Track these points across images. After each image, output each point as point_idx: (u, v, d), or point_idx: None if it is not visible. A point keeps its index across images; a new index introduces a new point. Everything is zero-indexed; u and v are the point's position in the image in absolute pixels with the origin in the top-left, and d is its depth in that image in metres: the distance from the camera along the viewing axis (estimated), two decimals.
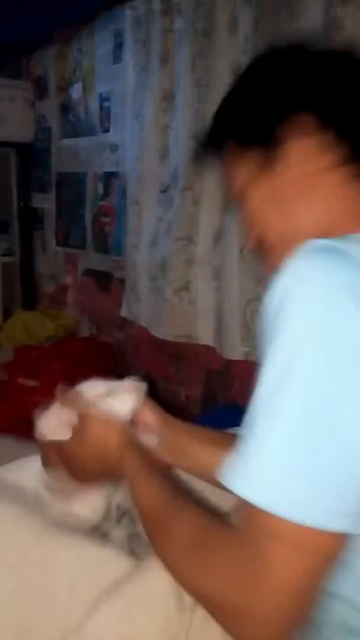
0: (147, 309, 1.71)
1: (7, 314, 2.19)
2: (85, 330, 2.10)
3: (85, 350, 1.83)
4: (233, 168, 0.57)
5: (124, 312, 1.87)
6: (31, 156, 2.12)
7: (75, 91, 1.84)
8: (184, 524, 0.48)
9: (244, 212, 0.57)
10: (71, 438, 0.64)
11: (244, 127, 0.55)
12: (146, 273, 1.66)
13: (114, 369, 1.86)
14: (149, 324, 1.67)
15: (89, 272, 2.04)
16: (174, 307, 1.53)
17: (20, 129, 2.04)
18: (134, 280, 1.79)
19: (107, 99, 1.72)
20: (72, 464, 0.64)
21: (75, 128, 1.91)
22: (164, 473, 0.60)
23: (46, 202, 2.13)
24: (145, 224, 1.62)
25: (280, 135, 0.52)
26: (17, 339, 1.96)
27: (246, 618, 0.40)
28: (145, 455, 0.61)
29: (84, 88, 1.81)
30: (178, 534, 0.48)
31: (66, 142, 1.97)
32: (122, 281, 1.89)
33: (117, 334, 1.94)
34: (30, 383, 1.54)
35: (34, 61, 2.04)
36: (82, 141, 1.88)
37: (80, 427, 0.63)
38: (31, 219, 2.21)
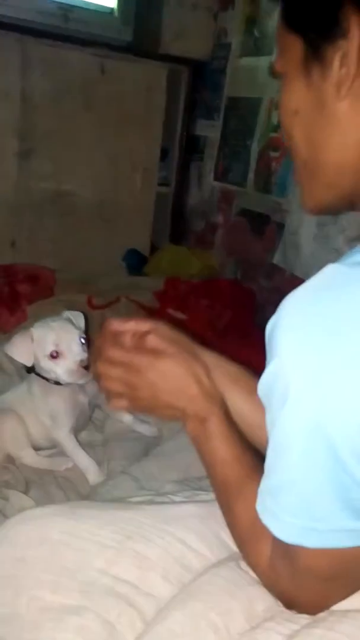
0: (307, 259, 1.56)
1: (153, 247, 2.18)
2: (229, 274, 2.00)
3: (231, 292, 1.74)
4: (279, 42, 0.48)
5: (277, 259, 1.73)
6: (203, 76, 1.98)
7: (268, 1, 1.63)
8: (244, 511, 0.52)
9: (280, 97, 0.49)
10: (146, 363, 0.61)
11: (292, 5, 0.46)
12: (314, 218, 1.48)
13: (257, 317, 1.76)
14: (306, 274, 1.51)
15: (243, 212, 1.90)
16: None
17: (197, 44, 1.88)
18: (296, 225, 1.62)
19: None
20: (138, 389, 0.61)
21: (258, 45, 1.71)
22: (242, 439, 0.60)
23: (211, 130, 1.99)
24: None
25: (340, 22, 0.42)
26: (163, 272, 1.94)
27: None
28: (231, 418, 0.61)
29: None
30: (238, 518, 0.54)
31: (245, 61, 1.78)
32: (280, 225, 1.73)
33: (263, 282, 1.81)
34: (179, 315, 1.50)
35: None
36: (264, 61, 1.68)
37: (160, 360, 0.61)
38: (192, 148, 2.10)
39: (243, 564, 0.55)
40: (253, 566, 0.52)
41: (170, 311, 1.61)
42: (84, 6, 1.75)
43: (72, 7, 1.73)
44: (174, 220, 2.21)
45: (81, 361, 0.94)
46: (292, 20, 0.45)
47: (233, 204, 1.95)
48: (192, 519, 0.61)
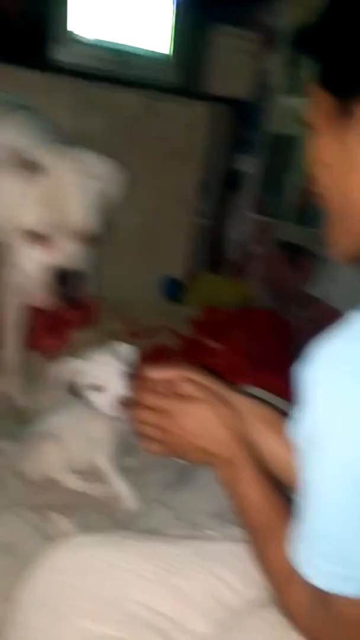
0: (344, 289, 1.57)
1: (191, 276, 2.22)
2: (265, 303, 2.02)
3: (268, 323, 1.76)
4: (310, 95, 0.51)
5: (313, 290, 1.74)
6: (244, 114, 2.04)
7: None
8: (277, 556, 0.52)
9: (309, 147, 0.52)
10: (179, 409, 0.64)
11: (326, 65, 0.49)
12: None
13: (292, 347, 1.76)
14: (342, 305, 1.52)
15: (280, 243, 1.93)
16: None
17: (238, 84, 1.95)
18: None
19: None
20: (168, 431, 0.65)
21: (300, 85, 1.76)
22: (272, 484, 0.61)
23: (251, 165, 2.04)
24: None
25: None
26: (201, 300, 1.98)
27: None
28: (259, 463, 0.62)
29: None
30: (272, 564, 0.54)
31: (286, 99, 1.84)
32: (316, 256, 1.74)
33: (299, 312, 1.82)
34: (216, 346, 1.52)
35: (268, 9, 1.92)
36: (305, 99, 1.73)
37: (192, 404, 0.64)
38: (231, 182, 2.16)
39: None
40: (289, 613, 0.52)
41: (207, 341, 1.63)
42: (140, 52, 1.85)
43: (128, 54, 1.84)
44: (212, 250, 2.26)
45: (122, 396, 0.92)
46: (323, 78, 0.49)
47: (271, 236, 1.98)
48: (232, 558, 0.62)
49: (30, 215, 0.92)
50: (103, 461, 1.05)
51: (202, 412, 0.63)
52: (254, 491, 0.58)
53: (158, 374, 0.68)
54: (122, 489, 1.04)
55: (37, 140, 0.96)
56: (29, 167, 0.91)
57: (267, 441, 0.66)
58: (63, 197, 0.94)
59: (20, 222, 0.92)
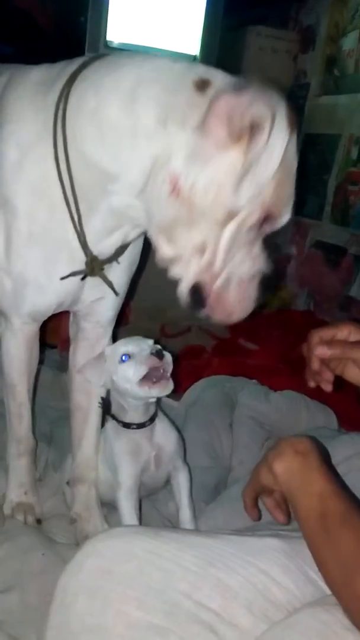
0: None
1: None
2: (301, 305, 1.98)
3: (304, 323, 1.73)
4: None
5: (355, 291, 1.70)
6: None
7: (349, 41, 1.66)
8: (353, 539, 0.50)
9: None
10: None
11: None
12: None
13: None
14: None
15: (318, 245, 1.89)
16: None
17: (276, 86, 1.94)
18: None
19: None
20: None
21: (338, 84, 1.74)
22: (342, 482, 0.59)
23: None
24: None
25: None
26: None
27: None
28: (333, 466, 0.61)
29: None
30: (344, 548, 0.51)
31: (324, 99, 1.82)
32: (357, 257, 1.70)
33: (339, 314, 1.78)
34: (251, 346, 1.51)
35: (306, 9, 1.91)
36: (344, 99, 1.71)
37: None
38: None
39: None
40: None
41: (242, 341, 1.62)
42: (169, 54, 1.87)
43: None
44: None
45: (154, 368, 0.86)
46: None
47: (307, 237, 1.95)
48: (276, 552, 0.60)
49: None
50: (121, 493, 0.94)
51: None
52: (322, 479, 0.57)
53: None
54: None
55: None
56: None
57: None
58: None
59: (230, 205, 0.64)
